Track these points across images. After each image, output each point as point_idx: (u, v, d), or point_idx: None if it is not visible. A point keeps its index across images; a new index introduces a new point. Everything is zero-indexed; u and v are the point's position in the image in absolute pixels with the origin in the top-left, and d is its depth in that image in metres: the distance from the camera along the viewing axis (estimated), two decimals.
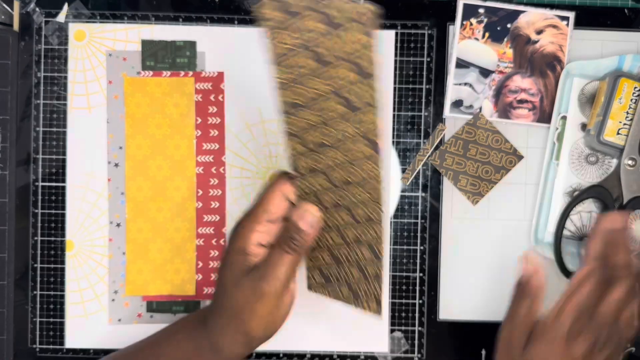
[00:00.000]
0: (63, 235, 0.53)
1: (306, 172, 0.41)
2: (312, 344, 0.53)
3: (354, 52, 0.32)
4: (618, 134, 0.48)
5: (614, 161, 0.50)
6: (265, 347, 0.53)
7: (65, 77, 0.53)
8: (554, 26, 0.52)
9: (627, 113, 0.48)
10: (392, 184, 0.53)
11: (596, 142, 0.48)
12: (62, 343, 0.53)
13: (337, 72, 0.34)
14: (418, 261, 0.53)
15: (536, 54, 0.52)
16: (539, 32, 0.52)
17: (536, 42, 0.52)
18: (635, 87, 0.48)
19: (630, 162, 0.48)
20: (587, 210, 0.52)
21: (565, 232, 0.51)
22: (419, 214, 0.53)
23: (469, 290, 0.54)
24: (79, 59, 0.53)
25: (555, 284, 0.53)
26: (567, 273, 0.50)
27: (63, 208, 0.53)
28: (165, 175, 0.53)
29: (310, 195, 0.42)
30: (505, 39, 0.53)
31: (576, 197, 0.50)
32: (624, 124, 0.48)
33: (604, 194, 0.49)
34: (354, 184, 0.39)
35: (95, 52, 0.53)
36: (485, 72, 0.53)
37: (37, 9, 0.53)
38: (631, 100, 0.48)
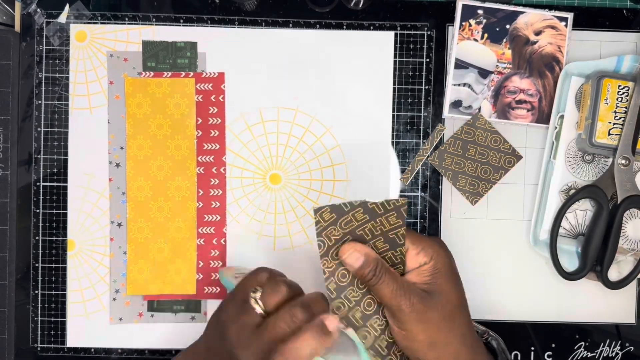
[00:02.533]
0: (64, 235, 0.57)
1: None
2: None
3: (389, 230, 0.47)
4: (609, 134, 0.52)
5: (610, 159, 0.54)
6: None
7: (67, 78, 0.57)
8: (553, 27, 0.56)
9: (615, 112, 0.52)
10: (391, 183, 0.57)
11: (589, 146, 0.52)
12: (63, 342, 0.57)
13: (375, 243, 0.47)
14: None
15: (535, 54, 0.56)
16: (538, 33, 0.56)
17: (535, 42, 0.56)
18: (620, 86, 0.52)
19: (623, 161, 0.52)
20: (582, 208, 0.56)
21: (561, 231, 0.55)
22: (418, 214, 0.57)
23: (468, 290, 0.57)
24: (80, 60, 0.57)
25: (550, 282, 0.57)
26: (562, 271, 0.54)
27: (64, 208, 0.57)
28: (166, 175, 0.57)
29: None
30: (504, 40, 0.56)
31: (571, 197, 0.53)
32: (614, 124, 0.52)
33: (598, 194, 0.53)
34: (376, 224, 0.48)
35: (97, 53, 0.57)
36: (484, 73, 0.56)
37: (39, 10, 0.56)
38: (617, 99, 0.52)
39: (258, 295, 0.44)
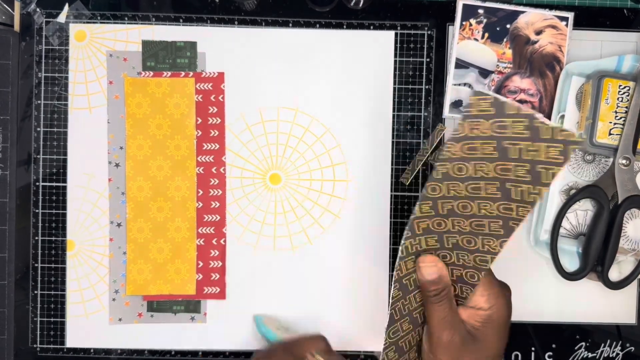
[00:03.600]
0: (64, 235, 0.57)
1: (421, 231, 0.47)
2: None
3: (544, 161, 0.38)
4: (610, 134, 0.52)
5: (610, 159, 0.54)
6: (262, 346, 0.57)
7: (66, 78, 0.57)
8: (553, 27, 0.56)
9: (616, 112, 0.52)
10: (391, 183, 0.57)
11: (589, 146, 0.53)
12: (62, 343, 0.57)
13: (516, 169, 0.39)
14: None
15: (535, 54, 0.56)
16: (538, 32, 0.56)
17: (535, 42, 0.56)
18: (620, 85, 0.52)
19: (624, 161, 0.52)
20: (583, 208, 0.56)
21: (562, 231, 0.56)
22: None
23: None
24: (80, 60, 0.57)
25: (551, 282, 0.57)
26: (562, 271, 0.54)
27: (64, 208, 0.57)
28: (166, 175, 0.57)
29: (411, 253, 0.48)
30: (505, 40, 0.56)
31: (572, 197, 0.54)
32: (615, 124, 0.52)
33: (599, 194, 0.53)
34: (467, 251, 0.46)
35: (96, 53, 0.57)
36: (484, 73, 0.57)
37: (38, 10, 0.57)
38: (618, 99, 0.52)
39: (320, 358, 0.46)
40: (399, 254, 0.46)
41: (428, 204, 0.44)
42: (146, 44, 0.57)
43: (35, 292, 0.57)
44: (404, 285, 0.47)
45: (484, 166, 0.40)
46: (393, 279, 0.47)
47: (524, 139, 0.38)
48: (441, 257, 0.47)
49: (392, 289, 0.47)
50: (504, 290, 0.47)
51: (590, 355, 0.58)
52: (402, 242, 0.46)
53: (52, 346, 0.57)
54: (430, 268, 0.46)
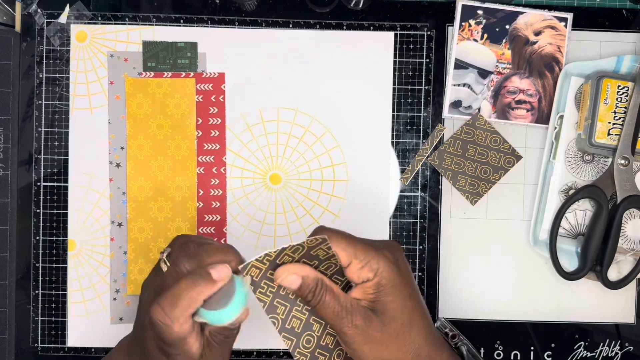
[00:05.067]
0: (65, 235, 0.57)
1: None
2: None
3: (325, 256, 0.44)
4: (609, 134, 0.52)
5: (609, 159, 0.55)
6: (263, 344, 0.57)
7: (67, 78, 0.57)
8: (553, 27, 0.57)
9: (615, 113, 0.52)
10: (391, 183, 0.58)
11: (588, 146, 0.53)
12: (63, 342, 0.57)
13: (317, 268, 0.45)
14: (417, 261, 0.58)
15: (535, 55, 0.57)
16: (538, 33, 0.57)
17: (535, 43, 0.57)
18: (619, 86, 0.52)
19: (623, 161, 0.53)
20: (582, 208, 0.56)
21: (561, 231, 0.56)
22: (418, 214, 0.58)
23: (467, 289, 0.58)
24: (81, 60, 0.57)
25: (550, 282, 0.58)
26: (562, 271, 0.55)
27: (65, 208, 0.57)
28: (167, 175, 0.57)
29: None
30: (504, 40, 0.57)
31: (571, 197, 0.54)
32: (614, 124, 0.52)
33: (598, 194, 0.53)
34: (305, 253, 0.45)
35: (97, 53, 0.57)
36: (483, 73, 0.57)
37: (39, 10, 0.57)
38: (617, 99, 0.52)
39: (165, 254, 0.44)
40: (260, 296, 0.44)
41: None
42: (147, 45, 0.57)
43: (37, 291, 0.57)
44: (290, 329, 0.45)
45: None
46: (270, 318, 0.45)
47: (300, 255, 0.43)
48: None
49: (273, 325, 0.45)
50: (383, 252, 0.44)
51: (589, 354, 0.58)
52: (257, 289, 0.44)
53: (53, 346, 0.57)
54: (289, 277, 0.43)
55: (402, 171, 0.58)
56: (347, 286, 0.46)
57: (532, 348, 0.58)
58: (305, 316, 0.45)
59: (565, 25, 0.57)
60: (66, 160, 0.57)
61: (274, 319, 0.44)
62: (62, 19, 0.57)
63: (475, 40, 0.57)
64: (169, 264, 0.43)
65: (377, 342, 0.43)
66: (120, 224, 0.57)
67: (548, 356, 0.58)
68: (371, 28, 0.57)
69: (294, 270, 0.43)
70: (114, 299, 0.57)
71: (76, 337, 0.57)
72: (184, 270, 0.42)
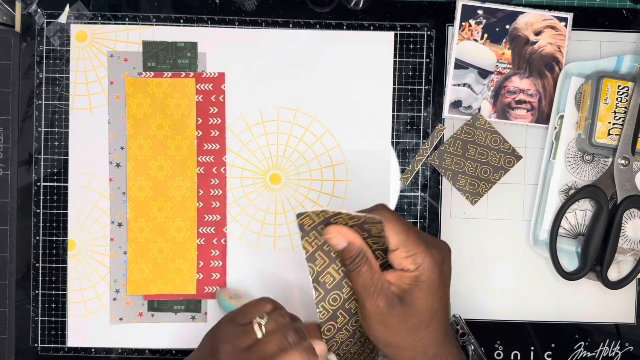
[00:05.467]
0: (65, 235, 0.57)
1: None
2: None
3: (377, 239, 0.46)
4: (609, 134, 0.52)
5: (610, 159, 0.55)
6: None
7: (67, 78, 0.57)
8: (553, 27, 0.57)
9: (615, 113, 0.52)
10: (391, 183, 0.58)
11: (588, 146, 0.53)
12: (63, 342, 0.57)
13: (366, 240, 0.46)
14: None
15: (535, 54, 0.57)
16: (538, 33, 0.57)
17: (535, 43, 0.57)
18: (619, 86, 0.52)
19: (623, 161, 0.53)
20: (582, 208, 0.56)
21: (561, 231, 0.56)
22: (418, 214, 0.58)
23: (467, 289, 0.58)
24: (81, 60, 0.57)
25: (550, 282, 0.58)
26: (562, 271, 0.55)
27: (65, 208, 0.57)
28: (166, 175, 0.57)
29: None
30: (504, 40, 0.57)
31: (571, 197, 0.54)
32: (614, 124, 0.52)
33: (598, 194, 0.53)
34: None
35: (97, 53, 0.57)
36: (484, 73, 0.57)
37: (39, 10, 0.57)
38: (617, 99, 0.52)
39: (263, 321, 0.45)
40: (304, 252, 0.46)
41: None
42: (147, 45, 0.57)
43: (36, 291, 0.57)
44: (322, 283, 0.46)
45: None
46: (312, 280, 0.46)
47: (353, 223, 0.44)
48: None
49: (313, 291, 0.46)
50: (432, 250, 0.45)
51: (589, 354, 0.58)
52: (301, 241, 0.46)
53: (53, 346, 0.57)
54: (337, 237, 0.44)
55: (402, 171, 0.58)
56: (387, 265, 0.46)
57: (532, 348, 0.58)
58: (340, 276, 0.47)
59: (566, 25, 0.57)
60: (66, 160, 0.57)
61: (311, 268, 0.45)
62: (62, 18, 0.57)
63: (475, 40, 0.57)
64: (264, 331, 0.44)
65: (390, 328, 0.44)
66: (120, 224, 0.57)
67: (548, 356, 0.58)
68: (371, 28, 0.57)
69: (343, 233, 0.44)
70: (114, 299, 0.57)
71: (76, 337, 0.57)
72: (290, 342, 0.43)
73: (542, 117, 0.57)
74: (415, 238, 0.44)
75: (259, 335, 0.44)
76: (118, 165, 0.57)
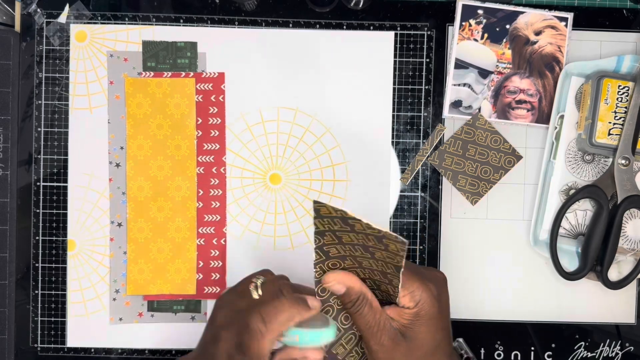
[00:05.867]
0: (64, 235, 0.57)
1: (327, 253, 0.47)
2: None
3: (388, 255, 0.43)
4: (609, 134, 0.52)
5: (610, 159, 0.55)
6: None
7: (67, 78, 0.57)
8: (553, 27, 0.57)
9: (615, 112, 0.52)
10: (391, 183, 0.58)
11: (589, 146, 0.53)
12: (63, 342, 0.57)
13: (369, 261, 0.45)
14: (417, 261, 0.58)
15: (535, 54, 0.57)
16: (538, 33, 0.57)
17: (535, 42, 0.57)
18: (620, 86, 0.52)
19: (623, 161, 0.53)
20: (582, 208, 0.56)
21: (561, 231, 0.56)
22: (418, 214, 0.58)
23: (468, 290, 0.58)
24: (80, 60, 0.57)
25: (550, 282, 0.57)
26: (562, 271, 0.55)
27: (64, 208, 0.57)
28: (166, 175, 0.57)
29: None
30: (504, 40, 0.57)
31: (571, 197, 0.54)
32: (614, 124, 0.52)
33: (599, 194, 0.53)
34: (376, 259, 0.45)
35: (97, 53, 0.57)
36: (484, 73, 0.57)
37: (39, 10, 0.57)
38: (617, 99, 0.52)
39: (259, 282, 0.46)
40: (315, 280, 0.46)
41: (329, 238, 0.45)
42: (147, 44, 0.57)
43: (36, 291, 0.57)
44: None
45: (353, 250, 0.45)
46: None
47: (364, 236, 0.43)
48: (357, 263, 0.46)
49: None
50: (428, 285, 0.45)
51: (589, 354, 0.58)
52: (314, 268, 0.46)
53: (52, 346, 0.57)
54: (336, 285, 0.45)
55: (402, 171, 0.58)
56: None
57: (532, 348, 0.58)
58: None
59: (566, 25, 0.56)
60: (66, 160, 0.57)
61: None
62: (62, 18, 0.57)
63: (475, 40, 0.57)
64: (260, 293, 0.45)
65: None
66: (120, 224, 0.57)
67: (548, 356, 0.58)
68: (371, 28, 0.57)
69: (340, 279, 0.45)
70: (114, 299, 0.57)
71: (76, 337, 0.57)
72: (284, 294, 0.45)
73: (543, 117, 0.57)
74: (410, 274, 0.45)
75: (255, 295, 0.45)
76: (118, 165, 0.57)
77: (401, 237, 0.41)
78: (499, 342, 0.58)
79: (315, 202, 0.42)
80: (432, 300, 0.45)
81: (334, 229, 0.44)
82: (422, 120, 0.58)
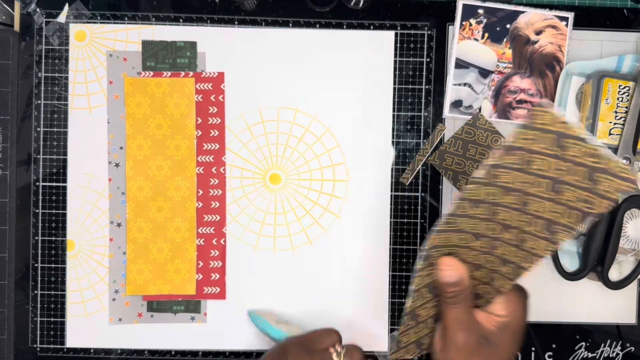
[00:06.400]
0: (64, 235, 0.57)
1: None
2: None
3: (598, 192, 0.37)
4: (610, 134, 0.52)
5: None
6: (262, 346, 0.57)
7: (66, 78, 0.57)
8: (553, 27, 0.56)
9: (616, 112, 0.52)
10: (391, 183, 0.57)
11: None
12: (62, 343, 0.57)
13: (570, 190, 0.39)
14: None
15: (535, 54, 0.56)
16: (538, 32, 0.56)
17: (535, 42, 0.56)
18: (620, 85, 0.52)
19: (624, 161, 0.53)
20: None
21: None
22: (419, 214, 0.57)
23: None
24: (80, 59, 0.57)
25: (551, 282, 0.57)
26: (563, 271, 0.54)
27: (64, 208, 0.57)
28: (166, 175, 0.57)
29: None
30: (505, 40, 0.57)
31: None
32: (615, 124, 0.52)
33: None
34: (503, 260, 0.45)
35: (96, 53, 0.57)
36: (484, 73, 0.57)
37: (38, 10, 0.57)
38: (618, 99, 0.52)
39: (342, 350, 0.48)
40: (420, 261, 0.45)
41: (480, 206, 0.42)
42: (146, 44, 0.57)
43: (35, 292, 0.57)
44: (421, 292, 0.47)
45: (533, 182, 0.39)
46: (412, 289, 0.46)
47: (580, 164, 0.37)
48: (473, 257, 0.46)
49: (409, 299, 0.46)
50: (521, 296, 0.46)
51: (590, 355, 0.58)
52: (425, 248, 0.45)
53: (52, 346, 0.57)
54: (451, 271, 0.45)
55: (403, 171, 0.58)
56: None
57: (532, 348, 0.58)
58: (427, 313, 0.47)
59: (566, 25, 0.56)
60: (65, 160, 0.57)
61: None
62: (61, 18, 0.57)
63: (475, 39, 0.57)
64: None
65: None
66: (119, 224, 0.57)
67: (549, 357, 0.58)
68: (371, 27, 0.57)
69: (458, 267, 0.45)
70: (113, 300, 0.57)
71: (75, 337, 0.57)
72: None
73: None
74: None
75: None
76: (117, 165, 0.57)
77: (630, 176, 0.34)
78: None
79: (533, 109, 0.36)
80: (522, 314, 0.46)
81: (493, 199, 0.40)
82: (422, 120, 0.58)
